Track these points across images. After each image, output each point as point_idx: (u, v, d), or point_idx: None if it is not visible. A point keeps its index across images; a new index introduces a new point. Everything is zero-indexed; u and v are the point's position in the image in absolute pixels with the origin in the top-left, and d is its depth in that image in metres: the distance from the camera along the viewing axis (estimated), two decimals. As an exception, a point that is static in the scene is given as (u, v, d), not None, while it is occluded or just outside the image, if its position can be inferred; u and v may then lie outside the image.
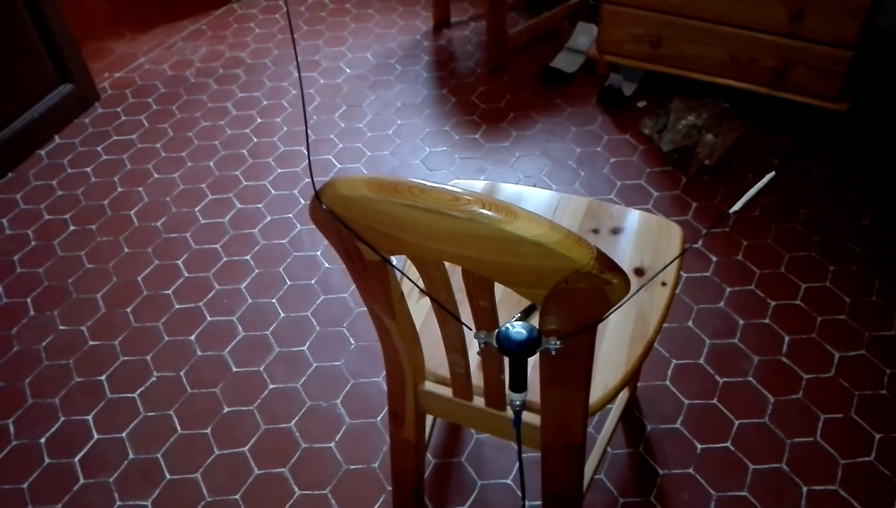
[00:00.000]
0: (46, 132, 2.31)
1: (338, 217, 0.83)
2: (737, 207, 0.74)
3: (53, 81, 2.31)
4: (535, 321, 0.85)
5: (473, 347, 0.97)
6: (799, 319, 1.74)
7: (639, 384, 1.62)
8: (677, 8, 2.16)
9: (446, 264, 0.86)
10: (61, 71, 2.32)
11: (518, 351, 0.83)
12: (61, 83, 2.34)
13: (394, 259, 0.90)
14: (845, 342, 1.69)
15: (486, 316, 0.90)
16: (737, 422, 1.56)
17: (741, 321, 1.74)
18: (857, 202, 2.02)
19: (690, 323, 1.74)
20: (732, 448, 1.52)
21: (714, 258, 1.88)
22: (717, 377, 1.64)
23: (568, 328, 0.83)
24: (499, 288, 0.84)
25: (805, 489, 1.45)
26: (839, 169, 2.12)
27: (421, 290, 0.90)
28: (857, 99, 2.29)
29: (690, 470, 1.48)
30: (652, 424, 1.56)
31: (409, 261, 1.09)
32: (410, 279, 0.88)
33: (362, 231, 0.84)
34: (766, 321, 1.74)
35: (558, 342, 0.84)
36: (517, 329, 0.84)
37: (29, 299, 1.85)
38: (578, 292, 0.76)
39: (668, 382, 1.63)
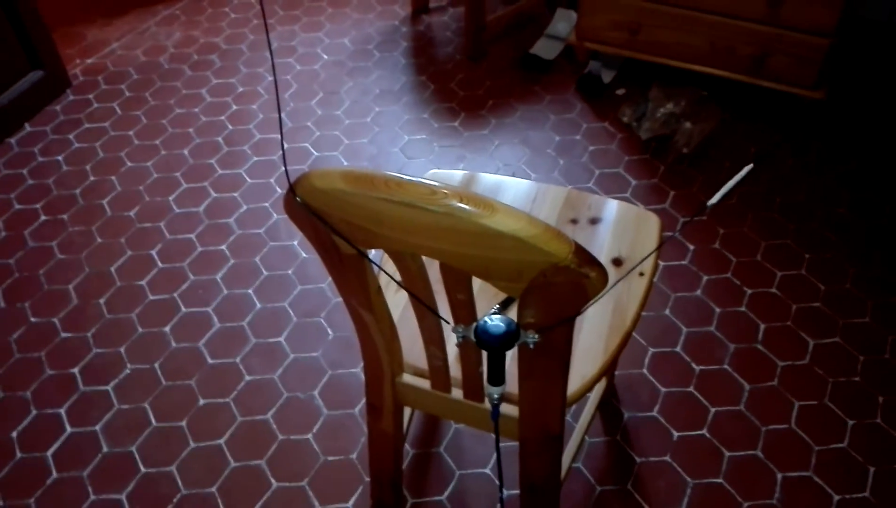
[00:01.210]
0: (16, 120, 2.26)
1: (313, 210, 0.81)
2: (714, 199, 0.74)
3: (23, 67, 2.26)
4: (512, 312, 0.85)
5: (451, 339, 0.97)
6: (774, 307, 1.76)
7: (616, 373, 1.63)
8: (656, -5, 2.15)
9: (424, 257, 0.85)
10: (31, 57, 2.27)
11: (496, 345, 0.83)
12: (31, 70, 2.28)
13: (370, 252, 0.88)
14: (820, 329, 1.71)
15: (464, 309, 0.89)
16: (713, 410, 1.57)
17: (718, 310, 1.75)
18: (833, 190, 2.04)
19: (668, 311, 1.75)
20: (708, 436, 1.53)
21: (691, 247, 1.89)
22: (694, 365, 1.65)
23: (546, 321, 0.82)
24: (477, 279, 0.84)
25: (779, 475, 1.46)
26: (816, 157, 2.14)
27: (398, 284, 0.89)
28: (834, 87, 2.31)
29: (667, 458, 1.50)
30: (629, 412, 1.57)
31: (385, 254, 1.08)
32: (388, 274, 0.87)
33: (338, 225, 0.82)
34: (742, 308, 1.75)
35: (536, 336, 0.84)
36: (495, 323, 0.83)
37: (-1, 291, 1.82)
38: (556, 285, 0.76)
39: (645, 370, 1.64)
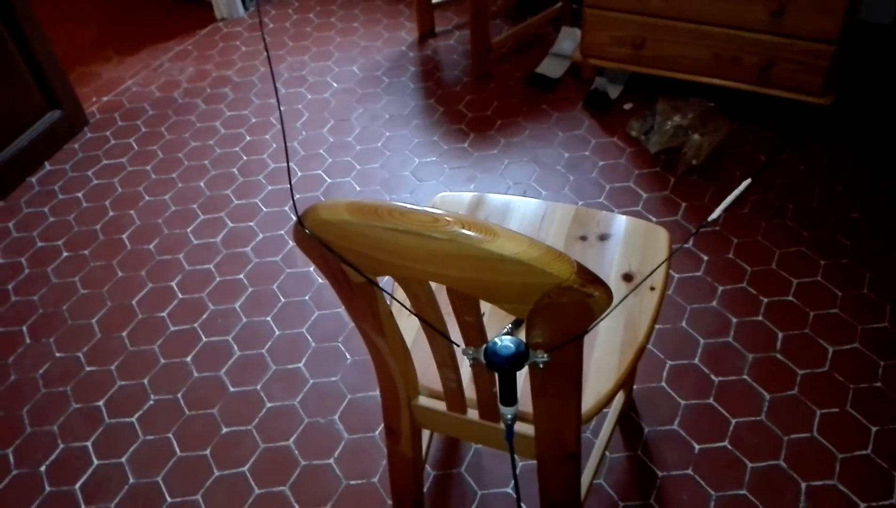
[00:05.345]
0: (36, 159, 2.31)
1: (321, 241, 0.84)
2: (715, 214, 0.75)
3: (42, 107, 2.32)
4: (523, 331, 0.86)
5: (465, 361, 0.98)
6: (791, 315, 1.75)
7: (635, 387, 1.63)
8: (658, 9, 2.17)
9: (431, 282, 0.87)
10: (49, 98, 2.33)
11: (506, 366, 0.84)
12: (49, 110, 2.34)
13: (380, 279, 0.90)
14: (838, 335, 1.70)
15: (473, 332, 0.90)
16: (733, 421, 1.56)
17: (734, 320, 1.75)
18: (845, 195, 2.03)
19: (684, 323, 1.75)
20: (730, 447, 1.52)
21: (705, 258, 1.89)
22: (713, 377, 1.64)
23: (554, 340, 0.83)
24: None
25: (803, 484, 1.45)
26: (826, 163, 2.13)
27: (408, 310, 0.91)
28: (841, 92, 2.31)
29: (689, 471, 1.49)
30: (649, 426, 1.57)
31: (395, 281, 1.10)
32: (398, 300, 0.88)
33: (346, 254, 0.84)
34: (759, 318, 1.75)
35: (546, 355, 0.85)
36: (504, 344, 0.84)
37: (24, 328, 1.86)
38: (562, 305, 0.77)
39: (663, 383, 1.64)
